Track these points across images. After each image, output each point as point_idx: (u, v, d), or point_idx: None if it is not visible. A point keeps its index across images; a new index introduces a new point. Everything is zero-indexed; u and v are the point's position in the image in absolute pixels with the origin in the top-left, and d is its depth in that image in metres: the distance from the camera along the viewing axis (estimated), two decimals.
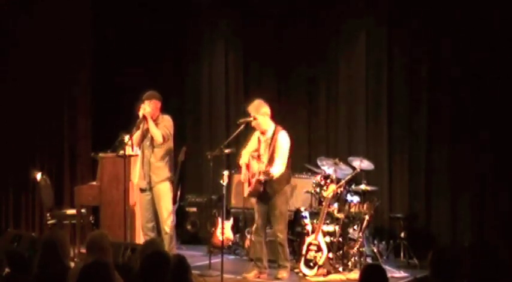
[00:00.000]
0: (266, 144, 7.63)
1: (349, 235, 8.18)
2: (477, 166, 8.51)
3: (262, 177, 7.46)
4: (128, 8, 10.29)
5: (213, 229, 9.03)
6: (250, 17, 10.01)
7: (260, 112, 7.60)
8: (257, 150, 7.70)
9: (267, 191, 7.56)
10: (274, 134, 7.61)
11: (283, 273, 7.65)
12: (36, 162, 9.45)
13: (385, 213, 9.00)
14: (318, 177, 8.39)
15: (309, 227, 8.01)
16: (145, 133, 7.82)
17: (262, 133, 7.68)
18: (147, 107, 7.75)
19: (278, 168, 7.48)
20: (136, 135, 7.79)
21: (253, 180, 7.59)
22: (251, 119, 7.68)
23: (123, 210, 7.66)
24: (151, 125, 7.74)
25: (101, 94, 10.25)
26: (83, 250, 7.52)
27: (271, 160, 7.53)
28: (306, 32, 9.58)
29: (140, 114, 7.72)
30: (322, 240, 7.80)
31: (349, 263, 7.98)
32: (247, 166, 7.70)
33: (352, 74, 9.41)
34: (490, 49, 8.38)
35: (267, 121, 7.65)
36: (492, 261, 4.23)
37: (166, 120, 7.88)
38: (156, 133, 7.73)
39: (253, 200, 7.84)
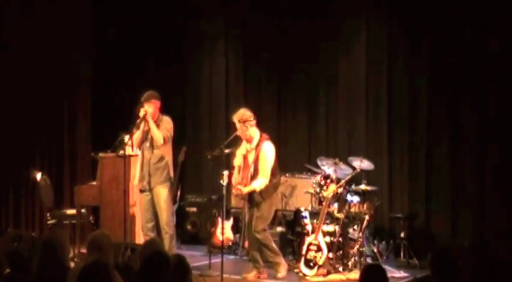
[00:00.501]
0: (252, 155, 7.64)
1: (349, 235, 8.18)
2: (477, 166, 8.51)
3: (237, 192, 7.56)
4: (128, 8, 10.29)
5: (213, 229, 9.02)
6: (250, 17, 10.00)
7: (243, 120, 7.58)
8: (245, 156, 7.70)
9: (254, 198, 7.59)
10: (258, 144, 7.60)
11: (281, 271, 7.65)
12: (36, 162, 9.44)
13: (385, 213, 9.00)
14: (318, 177, 8.38)
15: (309, 227, 8.01)
16: (146, 134, 7.81)
17: (248, 141, 7.67)
18: (148, 109, 7.74)
19: (259, 183, 7.51)
20: (137, 136, 7.78)
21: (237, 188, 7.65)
22: (251, 119, 7.66)
23: (123, 210, 7.66)
24: (152, 126, 7.72)
25: (101, 94, 10.24)
26: (83, 250, 7.53)
27: (255, 171, 7.56)
28: (306, 31, 9.58)
29: (141, 115, 7.71)
30: (322, 240, 7.80)
31: (349, 263, 7.98)
32: (240, 169, 7.70)
33: (352, 73, 9.41)
34: (490, 48, 8.38)
35: (252, 129, 7.63)
36: (492, 261, 4.23)
37: (167, 122, 7.87)
38: (157, 135, 7.72)
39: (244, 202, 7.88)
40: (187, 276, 4.53)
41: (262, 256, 7.71)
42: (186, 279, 4.52)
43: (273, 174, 7.60)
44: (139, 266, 4.57)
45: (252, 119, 7.61)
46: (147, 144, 7.83)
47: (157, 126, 7.78)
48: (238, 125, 7.61)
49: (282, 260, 7.74)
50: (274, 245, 7.73)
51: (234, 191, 7.74)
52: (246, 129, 7.58)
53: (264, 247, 7.64)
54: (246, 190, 7.54)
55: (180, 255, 4.74)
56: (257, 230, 7.59)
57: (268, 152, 7.58)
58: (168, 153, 7.90)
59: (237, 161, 7.74)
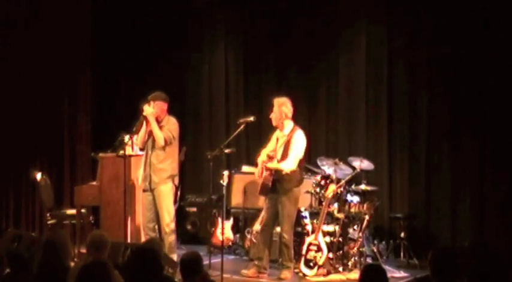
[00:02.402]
0: (282, 140, 7.67)
1: (349, 235, 8.18)
2: (477, 166, 8.51)
3: (270, 165, 7.47)
4: (128, 8, 10.29)
5: (213, 229, 9.03)
6: (250, 16, 10.01)
7: (289, 108, 7.67)
8: (274, 149, 7.72)
9: (277, 188, 7.57)
10: (291, 131, 7.67)
11: (286, 274, 7.65)
12: (36, 162, 9.44)
13: (385, 213, 9.00)
14: (318, 177, 8.38)
15: (309, 227, 8.01)
16: (150, 134, 7.77)
17: (280, 129, 7.72)
18: (151, 108, 7.71)
19: (289, 164, 7.52)
20: (141, 135, 7.76)
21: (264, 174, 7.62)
22: (251, 119, 7.70)
23: (123, 210, 7.66)
24: (153, 126, 7.67)
25: (101, 94, 10.24)
26: (83, 250, 7.53)
27: (284, 156, 7.57)
28: (306, 31, 9.58)
29: (144, 114, 7.69)
30: (322, 240, 7.80)
31: (349, 263, 7.98)
32: (263, 163, 7.71)
33: (352, 73, 9.42)
34: (490, 49, 8.38)
35: (289, 119, 7.71)
36: (492, 261, 4.23)
37: (172, 123, 7.81)
38: (159, 135, 7.68)
39: (263, 199, 7.85)
40: (197, 275, 4.57)
41: (273, 255, 7.67)
42: (195, 277, 4.55)
43: (300, 166, 7.63)
44: (127, 261, 4.59)
45: (291, 108, 7.69)
46: (151, 144, 7.81)
47: (162, 127, 7.74)
48: (276, 109, 7.66)
49: (292, 267, 7.74)
50: (292, 251, 7.75)
51: (258, 171, 7.68)
52: (278, 113, 7.65)
53: (285, 248, 7.66)
54: (272, 166, 7.52)
55: (196, 253, 4.75)
56: (285, 229, 7.62)
57: (301, 140, 7.65)
58: (171, 154, 7.82)
59: (261, 157, 7.76)
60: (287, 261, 7.69)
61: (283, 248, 7.68)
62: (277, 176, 7.56)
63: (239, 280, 7.68)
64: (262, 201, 8.08)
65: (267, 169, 7.60)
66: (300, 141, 7.64)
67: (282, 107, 7.68)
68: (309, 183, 8.56)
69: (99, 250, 4.97)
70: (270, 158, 7.64)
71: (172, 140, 7.78)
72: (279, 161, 7.57)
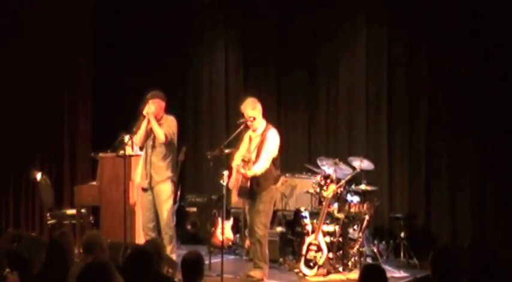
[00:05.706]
0: (256, 141, 7.62)
1: (349, 235, 8.19)
2: (477, 166, 8.52)
3: (242, 171, 7.41)
4: (128, 6, 10.29)
5: (213, 229, 9.02)
6: (250, 16, 10.01)
7: (256, 109, 7.60)
8: (248, 149, 7.68)
9: (254, 189, 7.53)
10: (264, 131, 7.61)
11: (257, 273, 7.54)
12: (36, 162, 9.44)
13: (385, 213, 9.00)
14: (318, 177, 8.38)
15: (309, 227, 8.02)
16: (149, 132, 7.79)
17: (254, 130, 7.68)
18: (151, 107, 7.72)
19: (260, 166, 7.46)
20: (140, 134, 7.76)
21: (239, 177, 7.58)
22: (251, 118, 7.69)
23: (123, 210, 7.66)
24: (153, 123, 7.68)
25: (101, 94, 10.24)
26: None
27: (258, 157, 7.53)
28: (306, 31, 9.59)
29: (144, 113, 7.69)
30: (322, 240, 7.80)
31: (349, 263, 7.99)
32: (238, 168, 7.66)
33: (352, 73, 9.42)
34: (490, 48, 8.38)
35: (260, 119, 7.65)
36: (492, 261, 4.23)
37: (170, 121, 7.84)
38: (159, 132, 7.69)
39: (245, 202, 7.83)
40: (198, 276, 4.57)
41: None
42: (196, 278, 4.56)
43: (274, 163, 7.55)
44: (123, 263, 4.60)
45: (261, 107, 7.60)
46: (151, 143, 7.81)
47: (161, 125, 7.75)
48: (251, 113, 7.57)
49: (265, 268, 7.60)
50: (267, 250, 7.63)
51: (232, 180, 7.63)
52: (258, 117, 7.59)
53: (258, 245, 7.54)
54: (250, 174, 7.44)
55: (198, 254, 4.75)
56: (258, 225, 7.54)
57: (273, 139, 7.57)
58: (171, 152, 7.86)
59: (235, 161, 7.72)
60: (260, 260, 7.56)
61: (256, 244, 7.55)
62: (253, 178, 7.50)
63: (239, 280, 7.67)
64: None
65: (244, 177, 7.51)
66: (273, 141, 7.56)
67: (257, 107, 7.59)
68: (309, 183, 8.58)
69: (91, 252, 4.96)
70: (246, 162, 7.47)
71: (173, 136, 7.80)
72: (253, 162, 7.50)
